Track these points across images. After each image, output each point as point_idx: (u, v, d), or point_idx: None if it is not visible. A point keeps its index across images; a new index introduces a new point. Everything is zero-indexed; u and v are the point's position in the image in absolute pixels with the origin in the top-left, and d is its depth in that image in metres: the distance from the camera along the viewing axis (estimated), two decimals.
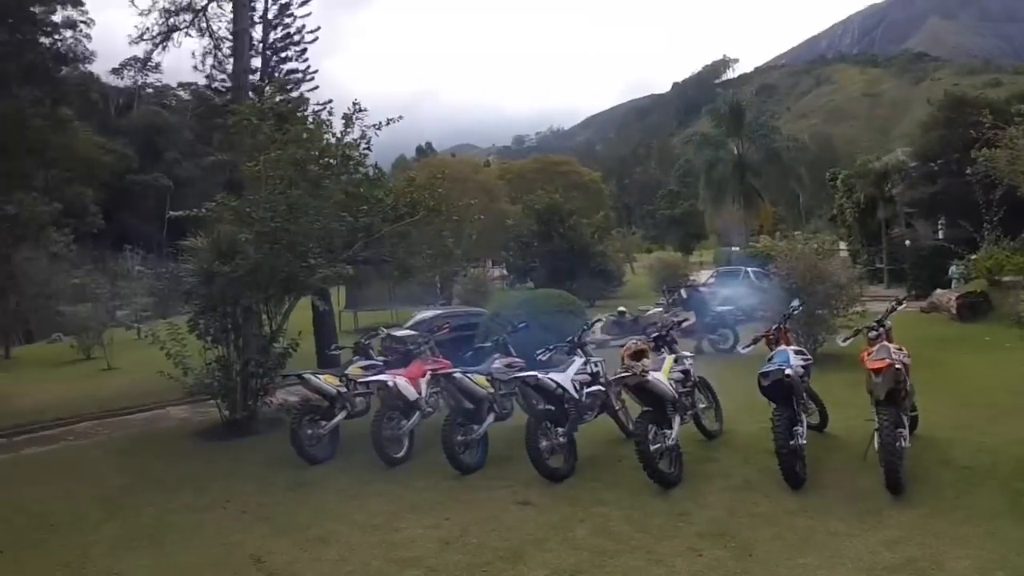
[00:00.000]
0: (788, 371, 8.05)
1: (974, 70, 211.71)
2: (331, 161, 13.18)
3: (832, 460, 8.62)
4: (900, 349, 8.31)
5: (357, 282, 15.40)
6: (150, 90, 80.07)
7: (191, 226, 14.33)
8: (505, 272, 45.51)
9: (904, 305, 10.50)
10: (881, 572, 5.87)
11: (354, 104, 13.40)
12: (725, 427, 10.09)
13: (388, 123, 13.69)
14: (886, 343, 8.35)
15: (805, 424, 8.24)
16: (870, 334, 8.73)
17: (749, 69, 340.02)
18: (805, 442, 7.98)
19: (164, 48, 24.10)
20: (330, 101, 22.90)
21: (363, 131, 13.41)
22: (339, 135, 13.39)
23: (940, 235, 32.10)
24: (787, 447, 7.69)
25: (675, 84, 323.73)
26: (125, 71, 51.86)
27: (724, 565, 6.20)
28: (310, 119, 14.02)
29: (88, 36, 25.20)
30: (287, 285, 12.54)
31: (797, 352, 8.97)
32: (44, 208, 36.76)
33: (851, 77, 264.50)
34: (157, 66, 26.85)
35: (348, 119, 13.28)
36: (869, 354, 8.16)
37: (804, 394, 8.74)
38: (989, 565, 5.82)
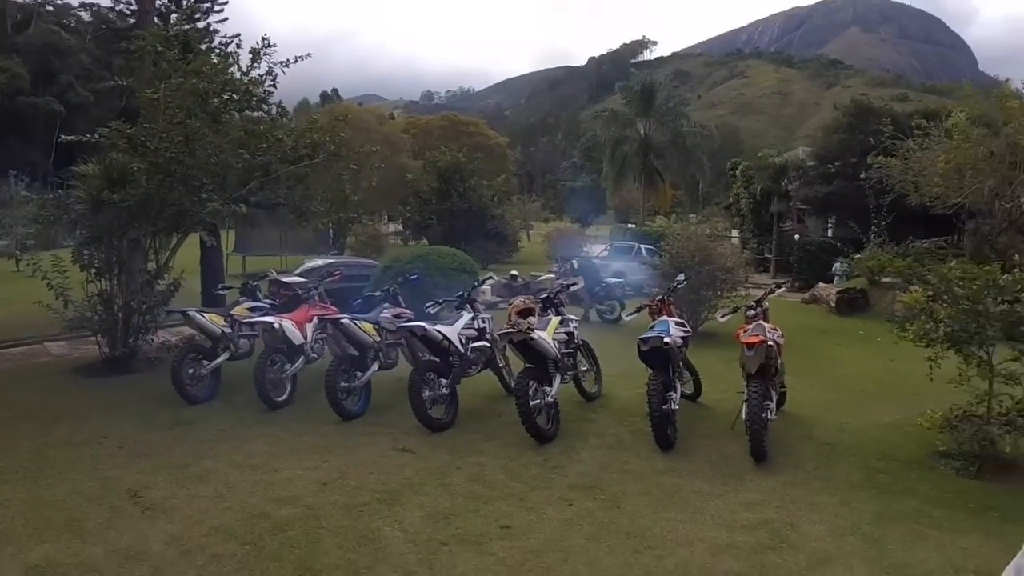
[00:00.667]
0: (667, 339, 8.31)
1: (884, 83, 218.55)
2: (233, 96, 12.79)
3: (702, 427, 8.97)
4: (775, 329, 8.68)
5: (248, 225, 14.95)
6: (50, 8, 76.21)
7: (82, 153, 13.84)
8: (401, 228, 45.23)
9: (783, 289, 10.93)
10: (739, 529, 6.16)
11: (263, 39, 13.01)
12: (604, 391, 10.36)
13: (296, 61, 13.28)
14: (762, 322, 8.70)
15: (679, 391, 8.57)
16: (748, 312, 9.08)
17: (667, 53, 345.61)
18: (677, 407, 8.30)
19: None
20: (238, 35, 22.42)
21: (270, 67, 13.01)
22: (245, 70, 13.01)
23: (829, 233, 33.12)
24: (659, 411, 7.98)
25: (591, 58, 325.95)
26: None
27: (592, 515, 6.42)
28: (216, 51, 13.53)
29: None
30: (177, 219, 12.21)
31: (678, 323, 9.27)
32: None
33: (765, 74, 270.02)
34: None
35: (255, 53, 12.88)
36: (745, 331, 8.48)
37: (680, 363, 9.07)
38: (841, 531, 6.15)
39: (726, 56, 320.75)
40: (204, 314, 10.82)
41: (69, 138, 13.37)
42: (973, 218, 22.89)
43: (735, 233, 37.66)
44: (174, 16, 23.60)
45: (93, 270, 11.89)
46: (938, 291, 8.30)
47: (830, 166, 31.09)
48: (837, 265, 26.63)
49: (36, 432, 8.80)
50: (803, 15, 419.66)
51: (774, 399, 8.35)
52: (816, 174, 32.94)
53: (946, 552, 5.80)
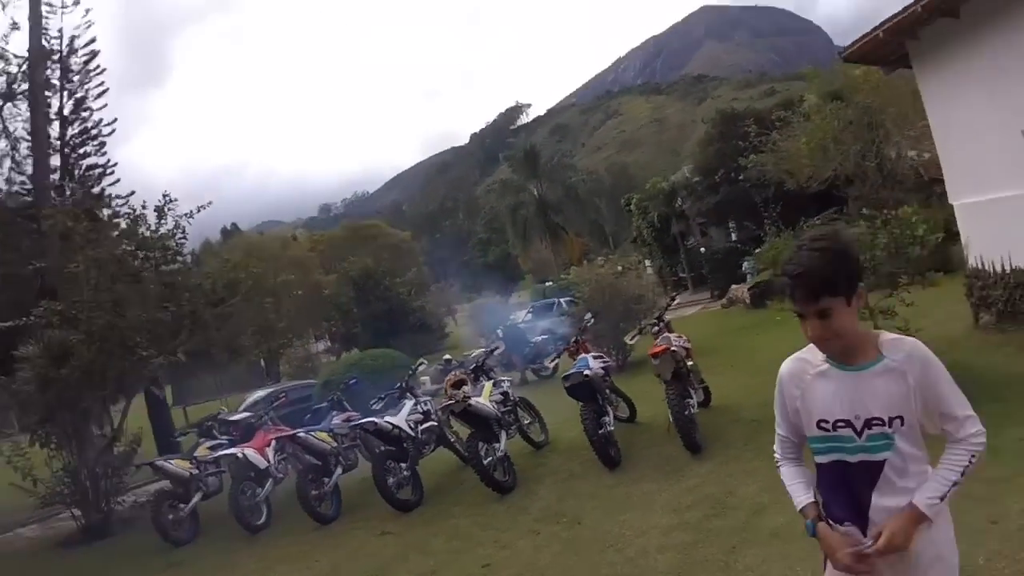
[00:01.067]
0: (587, 372, 9.27)
1: (750, 83, 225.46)
2: (149, 254, 13.46)
3: (642, 441, 9.80)
4: (680, 337, 9.70)
5: (183, 375, 15.38)
6: None
7: (14, 336, 14.15)
8: (329, 343, 45.64)
9: (677, 300, 11.97)
10: (685, 510, 7.03)
11: (164, 196, 13.76)
12: (551, 437, 11.09)
13: (199, 210, 14.07)
14: (667, 334, 9.70)
15: (612, 415, 9.49)
16: (653, 329, 10.08)
17: (542, 111, 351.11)
18: (612, 428, 9.22)
19: None
20: (132, 193, 22.89)
21: (176, 221, 13.75)
22: (153, 227, 13.72)
23: (733, 238, 34.50)
24: (597, 435, 8.85)
25: (473, 135, 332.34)
26: None
27: (558, 536, 7.23)
28: (126, 215, 14.14)
29: None
30: (121, 381, 12.68)
31: (596, 357, 10.20)
32: None
33: (638, 107, 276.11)
34: None
35: (160, 211, 13.64)
36: (654, 345, 9.43)
37: (608, 391, 9.98)
38: (772, 486, 6.64)
39: (598, 100, 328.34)
40: (171, 461, 11.37)
41: (5, 325, 13.66)
42: (851, 184, 24.23)
43: (648, 263, 38.88)
44: (68, 186, 23.91)
45: (52, 446, 12.30)
46: None
47: (715, 177, 32.34)
48: (745, 264, 28.02)
49: None
50: (660, 42, 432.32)
51: (694, 396, 9.31)
52: (703, 188, 34.26)
53: None
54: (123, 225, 14.02)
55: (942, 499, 2.60)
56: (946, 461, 2.66)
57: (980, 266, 10.99)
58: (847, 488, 2.74)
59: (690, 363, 9.56)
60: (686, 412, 8.62)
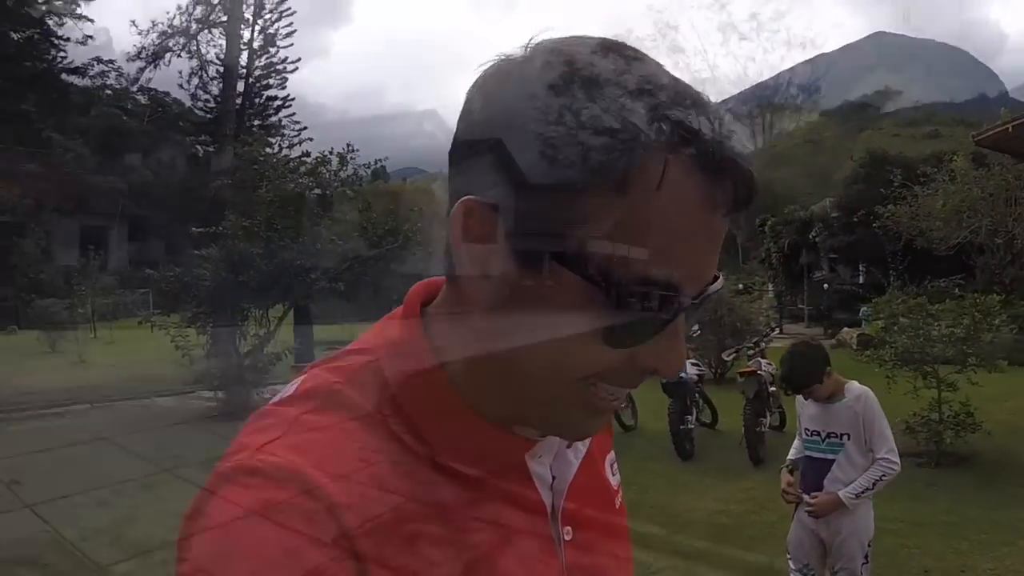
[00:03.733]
0: (681, 374, 10.67)
1: (915, 122, 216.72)
2: (327, 193, 15.34)
3: (716, 445, 11.30)
4: (770, 364, 11.10)
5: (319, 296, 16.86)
6: (108, 92, 77.11)
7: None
8: None
9: (776, 332, 13.28)
10: (733, 503, 8.56)
11: (348, 145, 15.57)
12: (640, 424, 12.46)
13: (378, 163, 16.02)
14: (759, 359, 11.15)
15: (695, 416, 10.96)
16: (749, 352, 11.53)
17: None
18: (693, 427, 10.72)
19: (155, 67, 26.23)
20: (304, 128, 24.83)
21: (355, 170, 15.69)
22: (335, 170, 15.51)
23: (861, 279, 34.59)
24: (678, 429, 10.39)
25: None
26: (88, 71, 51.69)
27: (627, 498, 8.75)
28: (317, 156, 15.81)
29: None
30: (285, 295, 14.60)
31: (693, 364, 11.67)
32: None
33: (795, 123, 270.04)
34: (139, 81, 27.85)
35: (343, 158, 15.47)
36: (747, 366, 10.92)
37: (696, 395, 11.42)
38: None
39: (755, 109, 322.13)
40: None
41: (199, 230, 15.27)
42: (983, 254, 24.46)
43: (770, 287, 38.99)
44: (247, 113, 25.94)
45: (209, 334, 14.36)
46: (889, 323, 10.61)
47: (854, 217, 32.43)
48: (863, 310, 28.56)
49: None
50: (828, 61, 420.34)
51: (768, 418, 10.72)
52: (840, 225, 34.43)
53: (893, 510, 8.07)
54: (308, 164, 15.72)
55: (857, 496, 4.33)
56: (867, 473, 4.38)
57: None
58: (813, 471, 4.65)
59: (772, 388, 10.96)
60: (757, 429, 10.07)
